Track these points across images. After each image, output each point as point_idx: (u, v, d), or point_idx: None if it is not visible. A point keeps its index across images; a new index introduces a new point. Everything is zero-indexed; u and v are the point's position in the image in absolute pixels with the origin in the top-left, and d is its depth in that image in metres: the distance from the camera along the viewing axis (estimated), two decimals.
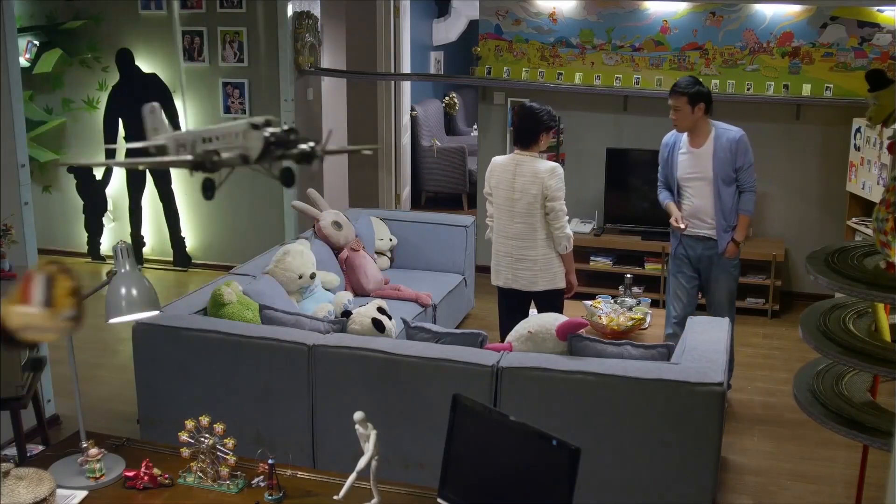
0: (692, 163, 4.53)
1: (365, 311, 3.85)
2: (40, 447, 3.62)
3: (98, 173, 7.21)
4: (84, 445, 2.62)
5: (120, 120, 6.80)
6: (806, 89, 6.16)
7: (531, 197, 4.23)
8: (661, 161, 4.68)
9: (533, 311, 4.40)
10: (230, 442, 2.56)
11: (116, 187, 7.20)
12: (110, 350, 5.45)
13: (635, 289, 5.85)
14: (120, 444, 2.81)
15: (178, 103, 6.80)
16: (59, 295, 1.73)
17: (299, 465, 2.76)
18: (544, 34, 6.64)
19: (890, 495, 2.05)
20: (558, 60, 6.64)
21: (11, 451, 3.67)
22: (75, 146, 7.21)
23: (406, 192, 8.51)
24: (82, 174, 7.14)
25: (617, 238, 6.47)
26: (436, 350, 3.52)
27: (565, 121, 6.36)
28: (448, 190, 9.29)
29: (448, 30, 10.00)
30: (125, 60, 6.77)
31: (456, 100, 9.83)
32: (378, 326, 3.78)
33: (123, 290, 2.60)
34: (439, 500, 2.34)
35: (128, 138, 6.82)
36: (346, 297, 4.90)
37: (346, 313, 4.19)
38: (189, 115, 6.87)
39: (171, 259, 7.14)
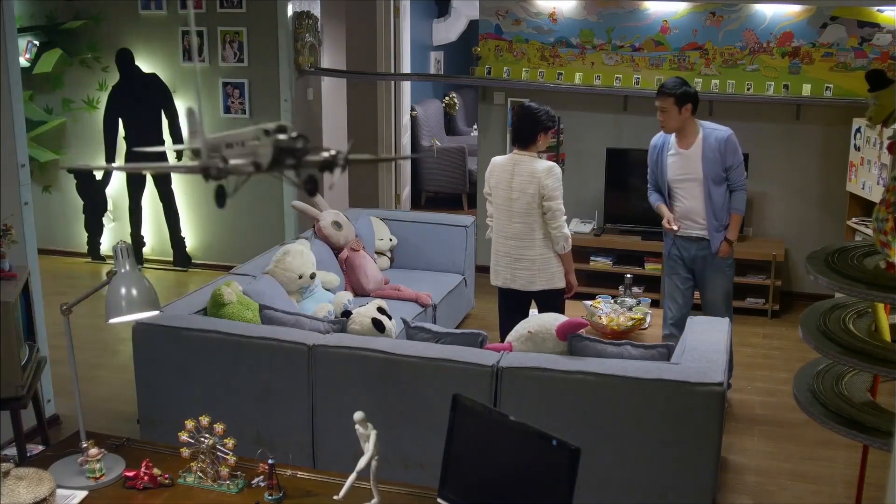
0: (681, 164, 4.53)
1: (365, 311, 3.85)
2: (40, 447, 3.62)
3: (98, 173, 7.22)
4: (84, 445, 2.62)
5: (120, 120, 6.81)
6: (806, 89, 6.16)
7: (529, 196, 4.23)
8: (650, 163, 4.68)
9: (533, 311, 4.40)
10: (230, 442, 2.56)
11: (116, 187, 7.20)
12: (110, 350, 5.45)
13: (635, 289, 5.85)
14: (120, 444, 2.81)
15: (177, 103, 6.81)
16: None
17: (299, 465, 2.77)
18: (544, 34, 6.64)
19: (890, 495, 2.05)
20: (558, 60, 6.64)
21: (11, 451, 3.67)
22: (75, 146, 7.21)
23: (406, 192, 8.52)
24: (82, 174, 7.14)
25: (617, 238, 6.48)
26: (436, 350, 3.52)
27: (565, 121, 6.36)
28: (448, 190, 9.29)
29: (448, 30, 10.00)
30: (125, 60, 6.77)
31: (456, 100, 9.82)
32: (378, 326, 3.78)
33: (123, 290, 2.60)
34: (439, 500, 2.34)
35: (128, 138, 6.83)
36: (346, 297, 4.90)
37: (346, 313, 4.19)
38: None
39: (171, 259, 7.14)
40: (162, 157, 6.81)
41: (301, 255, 4.70)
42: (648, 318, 4.81)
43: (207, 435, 2.55)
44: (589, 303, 4.88)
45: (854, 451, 3.88)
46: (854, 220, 5.85)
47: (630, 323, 4.59)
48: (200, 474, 2.58)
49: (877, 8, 5.92)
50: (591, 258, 6.41)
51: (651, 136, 4.74)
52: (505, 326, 4.23)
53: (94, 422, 3.57)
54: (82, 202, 7.22)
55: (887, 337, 2.95)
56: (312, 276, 4.70)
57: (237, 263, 5.36)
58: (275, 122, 1.69)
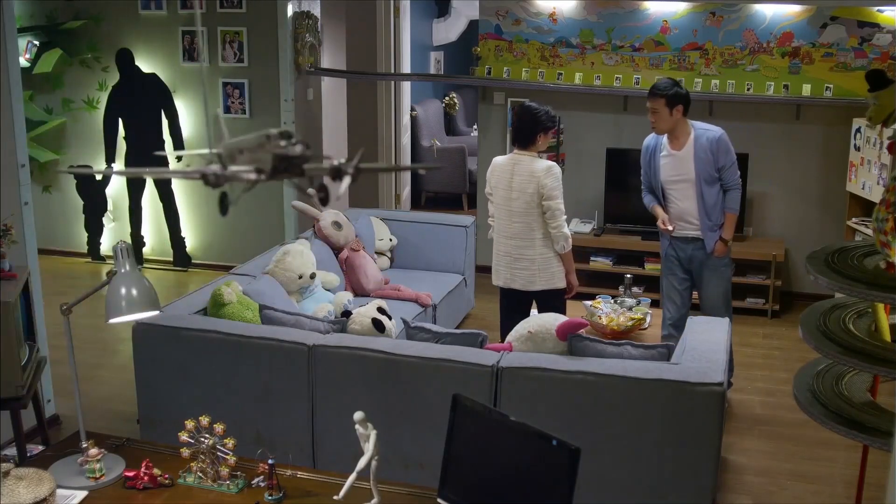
0: (674, 165, 4.53)
1: (365, 311, 3.85)
2: (40, 447, 3.62)
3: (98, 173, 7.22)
4: (84, 445, 2.62)
5: (120, 120, 6.81)
6: (806, 89, 6.16)
7: (528, 196, 4.24)
8: (643, 165, 4.67)
9: (534, 311, 4.40)
10: (230, 442, 2.56)
11: (116, 187, 7.20)
12: (110, 350, 5.45)
13: (635, 289, 5.85)
14: (120, 444, 2.81)
15: (177, 103, 6.81)
16: None
17: (299, 465, 2.77)
18: (544, 34, 6.64)
19: (890, 495, 2.05)
20: (558, 60, 6.64)
21: (11, 451, 3.67)
22: (75, 146, 7.21)
23: (406, 192, 8.52)
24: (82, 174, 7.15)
25: (617, 238, 6.48)
26: (436, 350, 3.52)
27: (565, 121, 6.36)
28: (448, 190, 9.29)
29: (448, 30, 10.00)
30: (125, 60, 6.77)
31: (456, 100, 9.83)
32: (378, 326, 3.78)
33: (123, 290, 2.60)
34: (439, 500, 2.34)
35: (128, 138, 6.83)
36: (346, 297, 4.90)
37: (346, 313, 4.19)
38: (188, 116, 6.87)
39: (171, 259, 7.14)
40: (164, 160, 6.82)
41: (301, 255, 4.70)
42: (648, 318, 4.81)
43: (207, 435, 2.55)
44: (589, 303, 4.88)
45: (854, 451, 3.88)
46: (854, 220, 5.85)
47: (630, 323, 4.59)
48: (200, 474, 2.58)
49: (877, 8, 5.92)
50: (591, 258, 6.41)
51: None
52: (506, 326, 4.23)
53: (94, 422, 3.58)
54: (82, 202, 7.22)
55: (887, 337, 2.95)
56: (312, 276, 4.70)
57: (237, 263, 5.36)
58: (278, 129, 1.66)
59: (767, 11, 6.16)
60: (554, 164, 4.30)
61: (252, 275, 4.60)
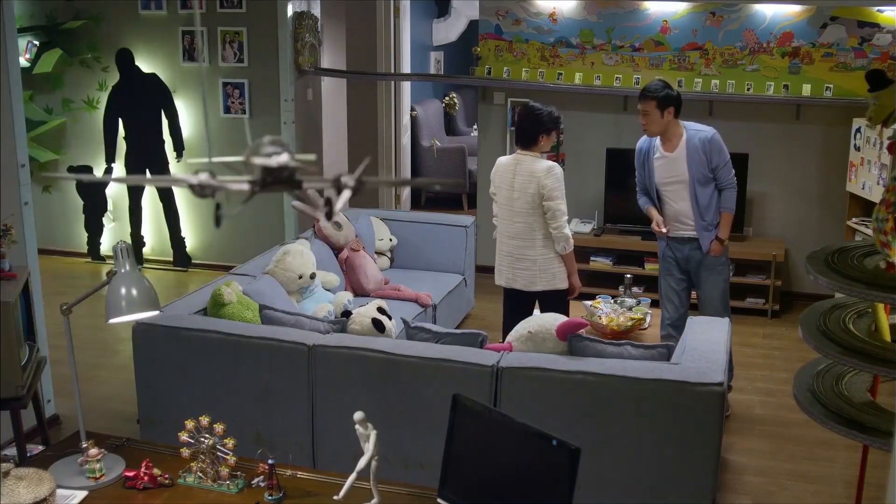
0: (667, 167, 4.52)
1: (365, 311, 3.85)
2: (40, 447, 3.62)
3: (98, 172, 7.21)
4: (84, 445, 2.62)
5: (120, 120, 6.81)
6: (806, 89, 6.16)
7: (529, 196, 4.24)
8: (637, 167, 4.67)
9: (536, 311, 4.40)
10: (230, 442, 2.56)
11: (116, 187, 7.20)
12: (110, 350, 5.45)
13: (635, 289, 5.85)
14: (120, 444, 2.81)
15: (178, 103, 6.81)
16: None
17: (299, 465, 2.77)
18: (544, 34, 6.64)
19: (890, 495, 2.05)
20: (558, 60, 6.64)
21: (11, 451, 3.67)
22: (75, 146, 7.21)
23: (406, 192, 8.52)
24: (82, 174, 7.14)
25: (617, 238, 6.48)
26: (436, 350, 3.52)
27: (565, 121, 6.35)
28: (448, 190, 9.28)
29: (448, 30, 10.01)
30: (125, 60, 6.77)
31: (456, 100, 9.83)
32: (378, 326, 3.78)
33: (123, 290, 2.60)
34: (439, 500, 2.34)
35: (128, 138, 6.83)
36: (346, 297, 4.90)
37: (346, 313, 4.19)
38: (188, 116, 6.87)
39: (171, 259, 7.14)
40: (164, 161, 6.83)
41: (301, 255, 4.70)
42: (648, 318, 4.81)
43: (207, 435, 2.55)
44: (589, 303, 4.88)
45: (854, 451, 3.88)
46: (854, 220, 5.85)
47: (630, 323, 4.59)
48: (200, 474, 2.58)
49: (877, 8, 5.92)
50: (591, 258, 6.41)
51: None
52: (508, 326, 4.22)
53: (94, 422, 3.58)
54: (82, 202, 7.22)
55: (887, 337, 2.95)
56: (312, 276, 4.70)
57: (237, 263, 5.36)
58: (271, 137, 1.56)
59: (767, 11, 6.16)
60: (555, 164, 4.30)
61: (252, 275, 4.60)
